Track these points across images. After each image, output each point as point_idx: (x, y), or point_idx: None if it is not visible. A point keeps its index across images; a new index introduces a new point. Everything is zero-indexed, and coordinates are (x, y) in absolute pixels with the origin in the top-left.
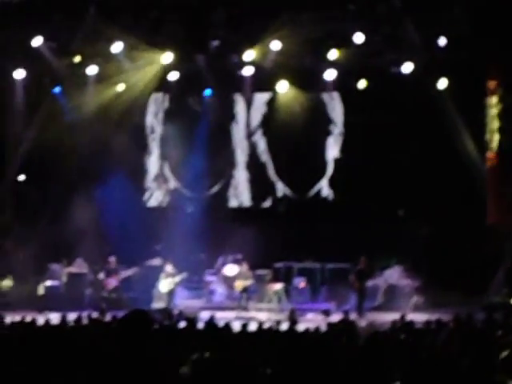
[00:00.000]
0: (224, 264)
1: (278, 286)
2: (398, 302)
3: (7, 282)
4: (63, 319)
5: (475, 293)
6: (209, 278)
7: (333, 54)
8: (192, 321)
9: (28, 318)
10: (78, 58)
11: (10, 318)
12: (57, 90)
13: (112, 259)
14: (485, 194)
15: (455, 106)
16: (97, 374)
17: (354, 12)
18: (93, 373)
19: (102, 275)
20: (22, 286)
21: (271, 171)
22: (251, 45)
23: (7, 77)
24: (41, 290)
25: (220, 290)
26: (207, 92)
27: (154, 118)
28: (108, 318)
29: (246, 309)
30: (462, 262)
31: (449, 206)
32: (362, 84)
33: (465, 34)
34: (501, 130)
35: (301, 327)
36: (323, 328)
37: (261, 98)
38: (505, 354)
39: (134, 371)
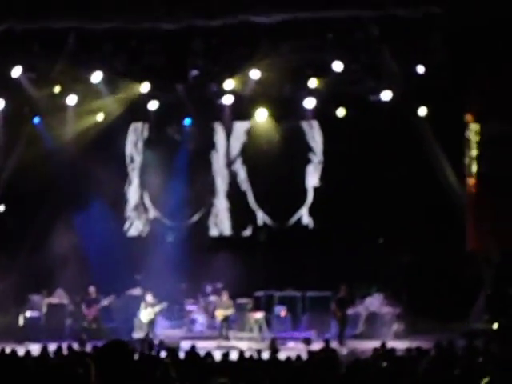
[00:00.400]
0: (209, 292)
1: (259, 315)
2: (379, 329)
3: None
4: (43, 350)
5: (456, 319)
6: (189, 307)
7: (312, 83)
8: (173, 350)
9: (8, 350)
10: (57, 88)
11: None
12: (36, 120)
13: (92, 289)
14: (464, 220)
15: (434, 133)
16: None
17: (332, 41)
18: None
19: (82, 306)
20: (1, 316)
21: (251, 200)
22: (230, 74)
23: None
24: (21, 321)
25: (201, 319)
26: (187, 121)
27: (133, 147)
28: (88, 348)
29: (226, 338)
30: (443, 288)
31: (429, 233)
32: (341, 112)
33: (442, 62)
34: (479, 157)
35: (282, 356)
36: (304, 356)
37: (240, 127)
38: (485, 381)
39: None
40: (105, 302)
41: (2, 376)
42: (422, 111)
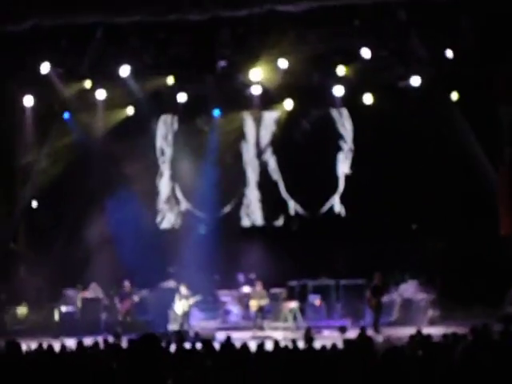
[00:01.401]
0: (243, 282)
1: (293, 305)
2: (414, 316)
3: (22, 310)
4: (79, 345)
5: (490, 305)
6: (223, 298)
7: (340, 70)
8: (208, 342)
9: (44, 345)
10: (86, 83)
11: (25, 346)
12: (66, 115)
13: (126, 283)
14: (497, 205)
15: (465, 118)
16: None
17: (359, 27)
18: None
19: (116, 300)
20: (37, 312)
21: (282, 189)
22: (258, 63)
23: (17, 103)
24: (56, 316)
25: (235, 310)
26: (216, 112)
27: (163, 140)
28: (124, 342)
29: (261, 328)
30: (477, 274)
31: (462, 219)
32: (370, 99)
33: (472, 46)
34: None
35: (317, 345)
36: (340, 345)
37: (270, 116)
38: None
39: None
40: (136, 298)
41: (40, 371)
42: (452, 96)
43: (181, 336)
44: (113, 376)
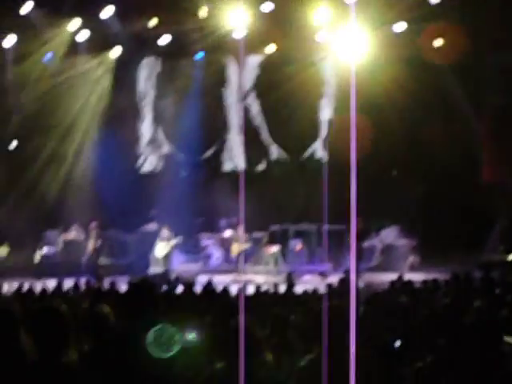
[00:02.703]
0: (225, 226)
1: (275, 249)
2: (395, 261)
3: (3, 250)
4: (59, 286)
5: (471, 251)
6: (205, 241)
7: (325, 15)
8: (189, 285)
9: (25, 286)
10: (68, 24)
11: (6, 286)
12: (48, 56)
13: (92, 225)
14: (480, 151)
15: (450, 65)
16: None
17: None
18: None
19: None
20: (18, 253)
21: (265, 134)
22: (242, 7)
23: None
24: (37, 257)
25: (216, 253)
26: (199, 55)
27: (146, 83)
28: (106, 284)
29: (243, 272)
30: (458, 220)
31: (443, 165)
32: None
33: None
34: (497, 87)
35: (299, 289)
36: (321, 289)
37: (253, 61)
38: (504, 312)
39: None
40: (94, 242)
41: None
42: (438, 41)
43: (165, 279)
44: (99, 319)
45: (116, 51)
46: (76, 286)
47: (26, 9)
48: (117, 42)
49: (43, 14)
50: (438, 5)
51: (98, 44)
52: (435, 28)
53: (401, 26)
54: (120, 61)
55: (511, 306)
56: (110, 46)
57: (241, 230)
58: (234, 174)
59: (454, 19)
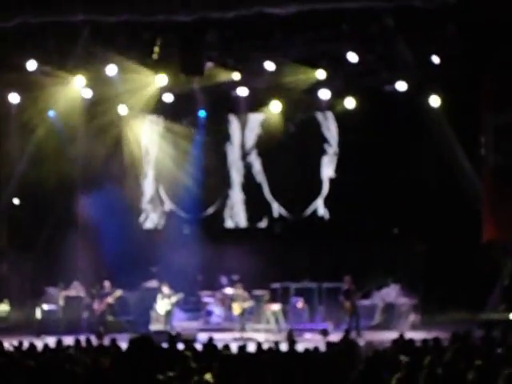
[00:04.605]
0: (226, 283)
1: (276, 307)
2: (396, 320)
3: (4, 307)
4: (60, 344)
5: (472, 310)
6: (206, 299)
7: (327, 74)
8: (190, 342)
9: (25, 343)
10: (73, 82)
11: (7, 343)
12: (51, 113)
13: (107, 283)
14: (480, 209)
15: (449, 123)
16: None
17: (347, 31)
18: None
19: (95, 299)
20: (18, 310)
21: (267, 191)
22: (245, 65)
23: (2, 101)
24: (38, 314)
25: (217, 311)
26: (201, 113)
27: (148, 140)
28: (106, 341)
29: (243, 330)
30: (459, 279)
31: (444, 224)
32: (355, 103)
33: (457, 52)
34: (495, 147)
35: (300, 347)
36: (322, 348)
37: (255, 119)
38: (507, 371)
39: None
40: (110, 299)
41: (20, 371)
42: (437, 101)
43: (165, 336)
44: (99, 376)
45: (117, 108)
46: (77, 343)
47: (31, 66)
48: (120, 99)
49: (47, 71)
50: (437, 66)
51: (102, 101)
52: (433, 88)
53: (401, 86)
54: (123, 118)
55: None
56: (113, 104)
57: (241, 288)
58: (235, 231)
59: (455, 78)
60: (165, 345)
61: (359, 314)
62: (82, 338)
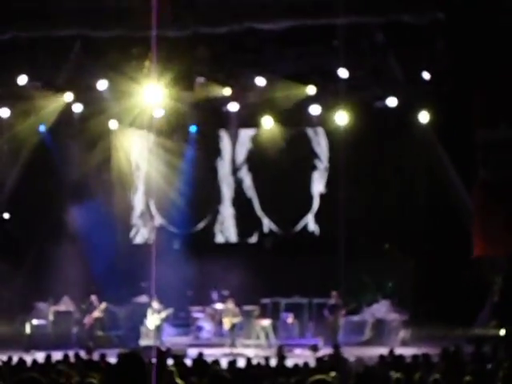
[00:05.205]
0: (216, 298)
1: (266, 322)
2: (386, 336)
3: None
4: (49, 359)
5: (462, 325)
6: (196, 314)
7: (317, 90)
8: (180, 358)
9: (15, 358)
10: (63, 96)
11: None
12: (42, 128)
13: (93, 298)
14: (470, 226)
15: (440, 139)
16: None
17: (337, 47)
18: None
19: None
20: (8, 324)
21: (257, 207)
22: (236, 81)
23: None
24: (27, 329)
25: (207, 326)
26: (192, 128)
27: (139, 155)
28: (96, 356)
29: (233, 345)
30: (449, 295)
31: (434, 239)
32: (346, 118)
33: (447, 68)
34: (486, 163)
35: (289, 363)
36: (312, 363)
37: (246, 134)
38: None
39: None
40: (97, 313)
41: None
42: (426, 117)
43: (155, 351)
44: None
45: (109, 122)
46: (66, 358)
47: (21, 81)
48: (111, 113)
49: (38, 86)
50: (427, 82)
51: (92, 116)
52: (423, 104)
53: (392, 102)
54: (113, 132)
55: (503, 382)
56: (104, 118)
57: (231, 303)
58: (225, 247)
59: (445, 94)
60: (154, 360)
61: (339, 329)
62: (71, 353)
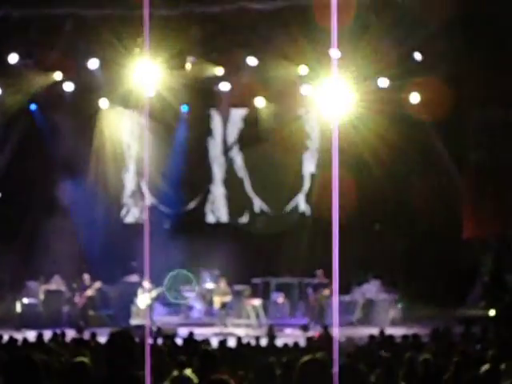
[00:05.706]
0: (207, 278)
1: (256, 302)
2: (376, 316)
3: None
4: (40, 338)
5: (452, 306)
6: (186, 294)
7: (309, 70)
8: (170, 337)
9: (5, 336)
10: (54, 75)
11: None
12: (33, 106)
13: (85, 276)
14: (461, 207)
15: (432, 120)
16: None
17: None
18: None
19: (76, 293)
20: None
21: (248, 187)
22: (228, 60)
23: None
24: (18, 308)
25: (198, 306)
26: (184, 108)
27: (130, 135)
28: (86, 335)
29: (224, 325)
30: (439, 275)
31: (425, 220)
32: (338, 99)
33: (440, 49)
34: (477, 145)
35: (279, 342)
36: (302, 343)
37: (237, 114)
38: (485, 367)
39: None
40: (90, 292)
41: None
42: (417, 98)
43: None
44: (77, 370)
45: (99, 101)
46: (56, 336)
47: (12, 59)
48: (101, 93)
49: (29, 64)
50: (421, 61)
51: (83, 95)
52: (418, 83)
53: (384, 82)
54: (105, 112)
55: (492, 362)
56: (95, 97)
57: (223, 282)
58: (216, 226)
59: (438, 75)
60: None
61: (325, 309)
62: (62, 332)
